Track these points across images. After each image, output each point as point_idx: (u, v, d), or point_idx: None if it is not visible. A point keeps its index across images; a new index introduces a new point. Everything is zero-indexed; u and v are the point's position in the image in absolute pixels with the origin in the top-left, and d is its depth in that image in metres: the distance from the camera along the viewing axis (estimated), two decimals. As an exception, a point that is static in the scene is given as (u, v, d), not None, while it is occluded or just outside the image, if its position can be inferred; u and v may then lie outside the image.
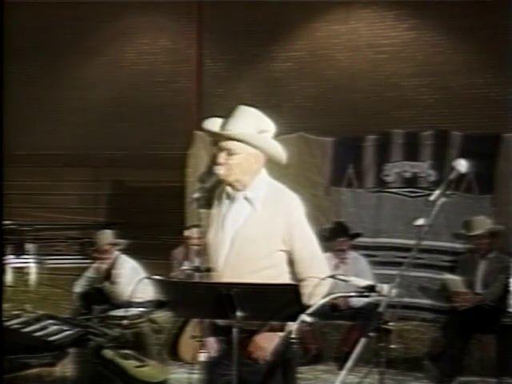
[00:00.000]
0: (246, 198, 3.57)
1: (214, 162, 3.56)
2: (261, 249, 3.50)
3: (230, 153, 3.52)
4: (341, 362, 6.22)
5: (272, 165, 3.66)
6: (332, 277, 3.47)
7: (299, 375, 3.69)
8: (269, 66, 10.48)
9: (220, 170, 3.53)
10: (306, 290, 3.37)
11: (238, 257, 3.51)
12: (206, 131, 3.66)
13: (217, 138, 3.58)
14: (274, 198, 3.56)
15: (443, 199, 3.24)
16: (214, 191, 3.66)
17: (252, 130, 3.54)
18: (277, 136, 3.65)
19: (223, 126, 3.56)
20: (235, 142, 3.52)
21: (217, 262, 3.56)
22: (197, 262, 5.54)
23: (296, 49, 10.33)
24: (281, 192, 3.59)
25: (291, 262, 3.55)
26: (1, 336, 5.27)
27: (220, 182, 3.61)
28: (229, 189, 3.60)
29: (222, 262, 3.54)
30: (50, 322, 6.05)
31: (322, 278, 3.43)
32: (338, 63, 10.10)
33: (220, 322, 3.45)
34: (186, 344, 7.18)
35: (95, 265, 7.45)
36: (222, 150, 3.54)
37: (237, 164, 3.52)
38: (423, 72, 9.65)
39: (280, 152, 3.61)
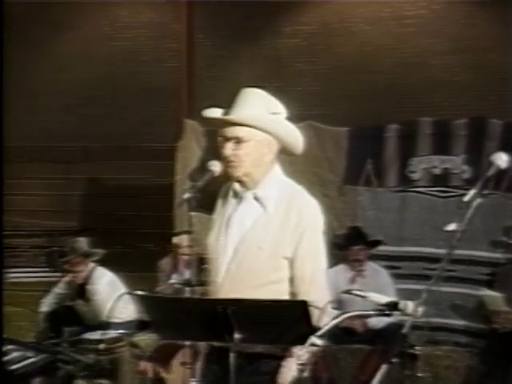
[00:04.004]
0: (256, 198, 3.58)
1: (218, 154, 3.56)
2: (267, 259, 3.51)
3: (238, 141, 3.52)
4: (358, 393, 6.24)
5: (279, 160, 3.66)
6: (347, 292, 3.47)
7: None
8: (272, 43, 10.51)
9: (215, 167, 3.53)
10: None
11: (240, 267, 3.53)
12: (207, 120, 3.66)
13: (220, 126, 3.57)
14: (289, 200, 3.55)
15: (479, 200, 3.24)
16: (212, 191, 3.66)
17: (261, 111, 3.56)
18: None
19: (227, 112, 3.56)
20: (243, 128, 3.52)
21: (217, 273, 3.58)
22: (187, 274, 5.54)
23: (304, 22, 10.35)
24: (297, 194, 3.59)
25: (291, 279, 3.54)
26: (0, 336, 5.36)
27: (214, 181, 3.61)
28: (237, 186, 3.61)
29: (222, 273, 3.56)
30: (11, 347, 6.06)
31: (320, 307, 3.37)
32: (354, 38, 10.12)
33: (215, 344, 3.46)
34: (174, 372, 7.20)
35: (66, 279, 7.48)
36: (227, 139, 3.53)
37: (246, 154, 3.52)
38: (455, 49, 9.67)
39: (297, 137, 3.62)
